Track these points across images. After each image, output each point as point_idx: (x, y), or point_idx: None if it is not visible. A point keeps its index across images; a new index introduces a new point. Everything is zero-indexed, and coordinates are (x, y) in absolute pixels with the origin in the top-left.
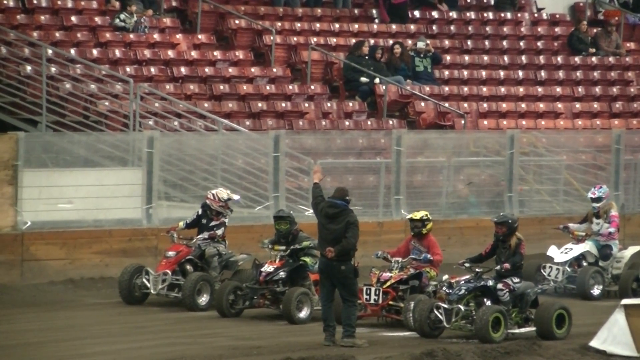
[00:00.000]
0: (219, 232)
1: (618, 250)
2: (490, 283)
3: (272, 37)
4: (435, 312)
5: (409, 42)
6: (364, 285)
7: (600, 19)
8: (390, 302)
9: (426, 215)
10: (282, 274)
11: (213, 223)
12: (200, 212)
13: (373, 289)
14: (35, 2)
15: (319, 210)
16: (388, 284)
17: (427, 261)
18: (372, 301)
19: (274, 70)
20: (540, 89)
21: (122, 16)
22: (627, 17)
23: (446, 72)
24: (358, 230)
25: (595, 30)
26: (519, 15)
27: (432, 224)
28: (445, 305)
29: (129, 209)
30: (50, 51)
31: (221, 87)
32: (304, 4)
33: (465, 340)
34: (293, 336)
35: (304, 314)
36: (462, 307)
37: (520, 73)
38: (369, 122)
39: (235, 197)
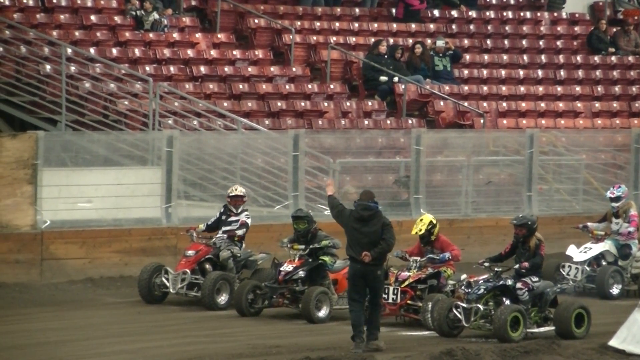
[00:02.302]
0: (240, 232)
1: (637, 250)
2: (510, 282)
3: (291, 37)
4: (454, 311)
5: (428, 41)
6: None
7: (620, 18)
8: (409, 302)
9: (430, 221)
10: (301, 273)
11: (231, 219)
12: (222, 210)
13: (391, 288)
14: (54, 1)
15: (346, 215)
16: (406, 283)
17: (445, 261)
18: (390, 300)
19: (294, 69)
20: (559, 88)
21: (139, 12)
22: None
23: (465, 72)
24: (394, 232)
25: (614, 30)
26: (539, 14)
27: (438, 227)
28: (464, 305)
29: (149, 208)
30: (69, 50)
31: (240, 86)
32: (324, 3)
33: (484, 340)
34: (312, 335)
35: (323, 313)
36: (481, 307)
37: (540, 72)
38: (388, 122)
39: (239, 191)
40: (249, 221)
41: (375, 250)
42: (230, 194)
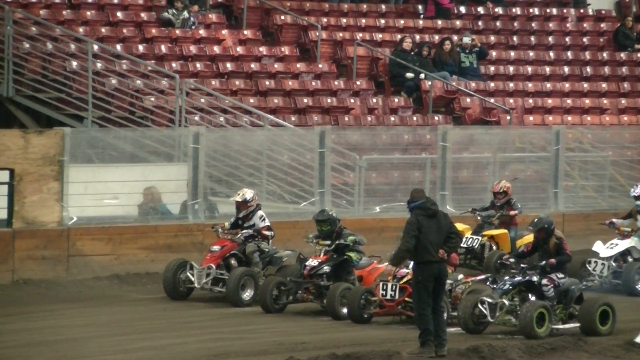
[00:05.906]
0: (269, 233)
1: None
2: (535, 278)
3: (317, 33)
4: (480, 307)
5: (455, 37)
6: (380, 281)
7: None
8: (406, 299)
9: None
10: (326, 268)
11: (246, 224)
12: (236, 212)
13: (389, 285)
14: None
15: (413, 222)
16: (405, 279)
17: None
18: (388, 297)
19: (320, 66)
20: (585, 85)
21: (170, 11)
22: None
23: (492, 68)
24: None
25: None
26: (565, 11)
27: None
28: (490, 300)
29: (175, 204)
30: (96, 47)
31: (267, 82)
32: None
33: (510, 336)
34: (338, 332)
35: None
36: (506, 302)
37: (566, 69)
38: (414, 118)
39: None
40: (268, 224)
41: (449, 245)
42: (236, 200)
